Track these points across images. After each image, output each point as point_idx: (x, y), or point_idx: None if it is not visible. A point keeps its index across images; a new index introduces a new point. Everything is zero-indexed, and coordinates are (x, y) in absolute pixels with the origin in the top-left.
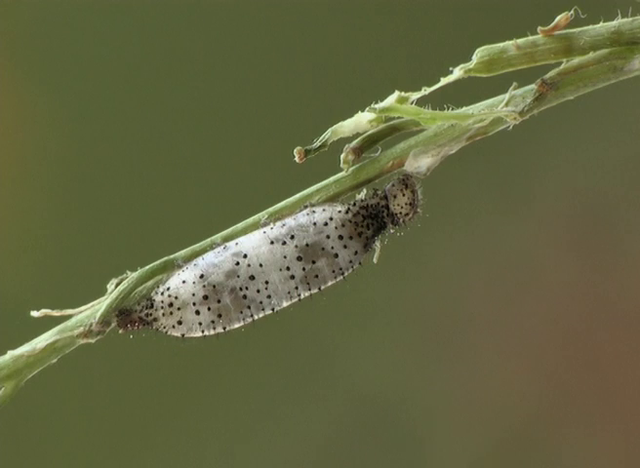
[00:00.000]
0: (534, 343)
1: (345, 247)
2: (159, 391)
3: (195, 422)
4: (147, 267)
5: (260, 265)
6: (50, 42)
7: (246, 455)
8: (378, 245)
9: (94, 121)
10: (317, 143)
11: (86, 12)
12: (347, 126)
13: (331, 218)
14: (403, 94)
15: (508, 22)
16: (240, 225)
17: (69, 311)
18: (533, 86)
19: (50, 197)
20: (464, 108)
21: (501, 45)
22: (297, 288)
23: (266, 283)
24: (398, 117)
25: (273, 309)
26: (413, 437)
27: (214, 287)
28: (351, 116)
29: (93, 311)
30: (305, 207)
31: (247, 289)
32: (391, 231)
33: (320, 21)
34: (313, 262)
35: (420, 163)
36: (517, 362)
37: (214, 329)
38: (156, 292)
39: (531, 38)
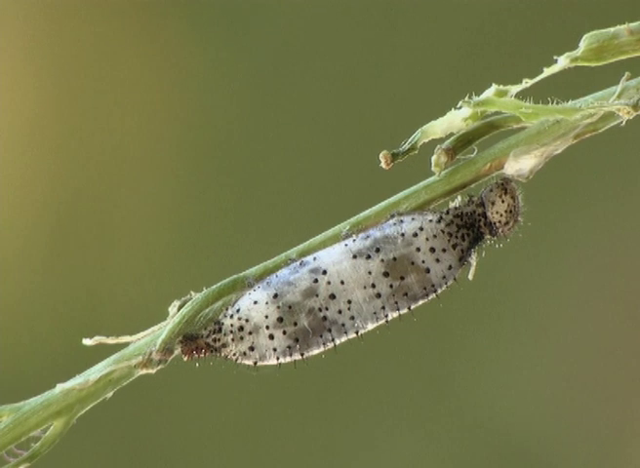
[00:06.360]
0: None
1: (438, 261)
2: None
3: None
4: (214, 287)
5: (342, 282)
6: None
7: None
8: (474, 258)
9: (164, 139)
10: (406, 146)
11: None
12: (439, 125)
13: (421, 229)
14: (501, 87)
15: (616, 6)
16: (318, 238)
17: (126, 338)
18: None
19: (105, 215)
20: (571, 102)
21: (612, 30)
22: (383, 307)
23: (349, 302)
24: (495, 113)
25: (357, 332)
26: None
27: (289, 307)
28: (442, 115)
29: (153, 337)
30: (392, 216)
31: (327, 309)
32: (489, 242)
33: (402, 13)
34: (402, 278)
35: (522, 165)
36: None
37: (290, 355)
38: (224, 315)
39: None
